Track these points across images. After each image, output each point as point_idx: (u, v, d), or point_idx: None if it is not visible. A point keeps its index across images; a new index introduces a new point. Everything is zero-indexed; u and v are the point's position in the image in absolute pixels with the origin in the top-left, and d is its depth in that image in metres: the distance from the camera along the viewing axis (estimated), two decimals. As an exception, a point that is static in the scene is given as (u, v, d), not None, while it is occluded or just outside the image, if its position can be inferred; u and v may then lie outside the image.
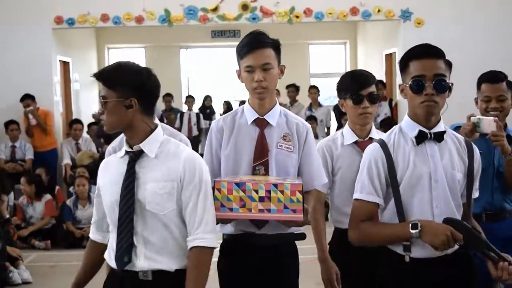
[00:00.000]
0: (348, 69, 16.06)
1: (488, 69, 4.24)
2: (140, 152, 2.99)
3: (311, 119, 11.75)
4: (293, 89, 12.85)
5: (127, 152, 3.01)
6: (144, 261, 2.94)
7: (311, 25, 14.93)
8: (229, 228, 3.36)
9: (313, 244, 3.70)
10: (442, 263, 2.97)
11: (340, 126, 12.18)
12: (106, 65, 15.23)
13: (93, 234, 3.17)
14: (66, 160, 10.90)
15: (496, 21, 11.17)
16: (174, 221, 2.96)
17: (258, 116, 3.42)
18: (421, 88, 2.94)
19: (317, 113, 12.15)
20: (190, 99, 14.40)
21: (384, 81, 12.54)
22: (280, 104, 12.00)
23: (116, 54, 16.38)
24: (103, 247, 3.08)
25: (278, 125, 3.44)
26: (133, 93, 2.93)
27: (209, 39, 15.45)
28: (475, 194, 3.16)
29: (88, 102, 14.22)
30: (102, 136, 10.94)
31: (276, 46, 3.37)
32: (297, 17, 11.20)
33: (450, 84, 2.99)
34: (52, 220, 8.81)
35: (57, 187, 9.91)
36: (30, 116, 10.64)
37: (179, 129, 13.35)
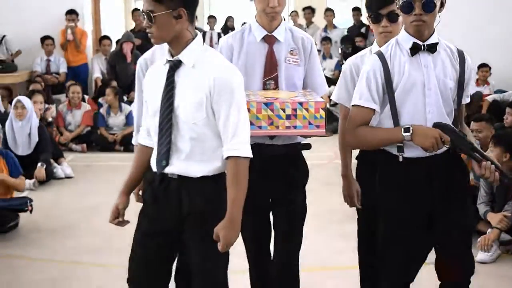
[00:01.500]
0: (364, -6, 16.58)
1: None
2: (180, 62, 2.99)
3: (326, 40, 12.32)
4: (309, 11, 13.37)
5: (168, 61, 3.01)
6: (173, 167, 3.01)
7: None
8: None
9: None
10: (432, 162, 3.17)
11: (353, 49, 12.80)
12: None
13: (143, 139, 3.21)
14: (97, 74, 11.65)
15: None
16: (203, 131, 2.99)
17: (266, 33, 3.54)
18: (411, 9, 3.10)
19: (332, 35, 12.69)
20: (211, 19, 15.01)
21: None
22: (299, 25, 12.71)
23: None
24: (151, 150, 3.12)
25: (285, 41, 3.57)
26: (181, 2, 2.92)
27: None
28: (466, 100, 3.34)
29: (115, 18, 14.87)
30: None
31: None
32: None
33: (442, 1, 3.15)
34: (87, 127, 9.69)
35: (87, 97, 10.53)
36: (69, 31, 11.41)
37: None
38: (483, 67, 10.87)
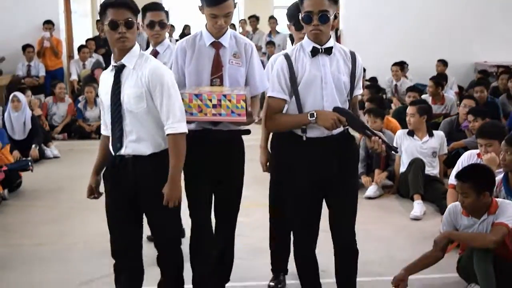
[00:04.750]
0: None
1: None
2: (123, 66, 3.64)
3: (270, 44, 14.15)
4: (254, 19, 15.22)
5: (114, 67, 3.67)
6: (127, 148, 3.66)
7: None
8: (191, 126, 3.87)
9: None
10: (329, 140, 3.74)
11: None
12: (98, -3, 17.62)
13: (103, 131, 3.85)
14: (74, 77, 13.37)
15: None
16: (145, 118, 3.63)
17: (214, 39, 3.99)
18: (310, 20, 3.63)
19: (275, 39, 14.51)
20: (170, 28, 16.81)
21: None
22: (246, 32, 14.64)
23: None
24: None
25: (230, 46, 4.01)
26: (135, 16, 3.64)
27: (186, -26, 17.88)
28: (359, 91, 3.86)
29: (84, 29, 16.57)
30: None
31: None
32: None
33: (335, 15, 3.66)
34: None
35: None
36: (46, 40, 13.07)
37: (162, 54, 15.77)
38: (400, 64, 12.82)
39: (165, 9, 4.99)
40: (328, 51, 3.73)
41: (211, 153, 3.99)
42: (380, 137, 3.64)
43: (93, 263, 5.21)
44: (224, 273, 4.34)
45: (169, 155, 3.61)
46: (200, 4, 3.94)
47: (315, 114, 3.63)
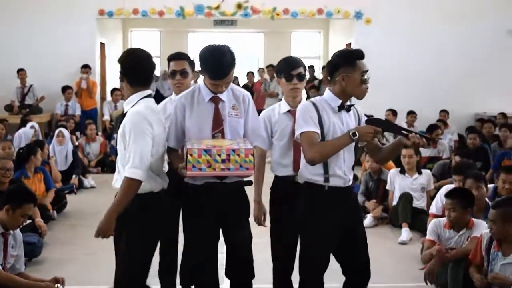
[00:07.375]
0: (322, 54, 19.77)
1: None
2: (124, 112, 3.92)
3: (286, 91, 15.37)
4: (271, 68, 16.13)
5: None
6: (116, 182, 3.96)
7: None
8: (196, 182, 4.03)
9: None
10: (347, 190, 4.00)
11: (308, 97, 15.86)
12: (129, 45, 18.91)
13: None
14: (106, 117, 14.60)
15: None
16: (120, 158, 3.89)
17: (213, 94, 4.03)
18: (367, 80, 3.84)
19: (291, 87, 15.70)
20: (195, 74, 18.06)
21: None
22: (264, 79, 16.21)
23: (137, 37, 20.10)
24: None
25: (228, 99, 4.06)
26: (121, 72, 4.00)
27: (212, 26, 19.18)
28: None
29: (116, 73, 17.81)
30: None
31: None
32: (278, 14, 14.93)
33: None
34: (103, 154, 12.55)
35: (100, 133, 13.43)
36: (84, 81, 14.34)
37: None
38: (411, 113, 13.80)
39: (191, 58, 4.91)
40: (349, 108, 4.01)
41: (218, 206, 4.07)
42: (417, 133, 3.80)
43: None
44: None
45: (118, 195, 3.79)
46: (200, 69, 4.05)
47: (356, 132, 3.79)
